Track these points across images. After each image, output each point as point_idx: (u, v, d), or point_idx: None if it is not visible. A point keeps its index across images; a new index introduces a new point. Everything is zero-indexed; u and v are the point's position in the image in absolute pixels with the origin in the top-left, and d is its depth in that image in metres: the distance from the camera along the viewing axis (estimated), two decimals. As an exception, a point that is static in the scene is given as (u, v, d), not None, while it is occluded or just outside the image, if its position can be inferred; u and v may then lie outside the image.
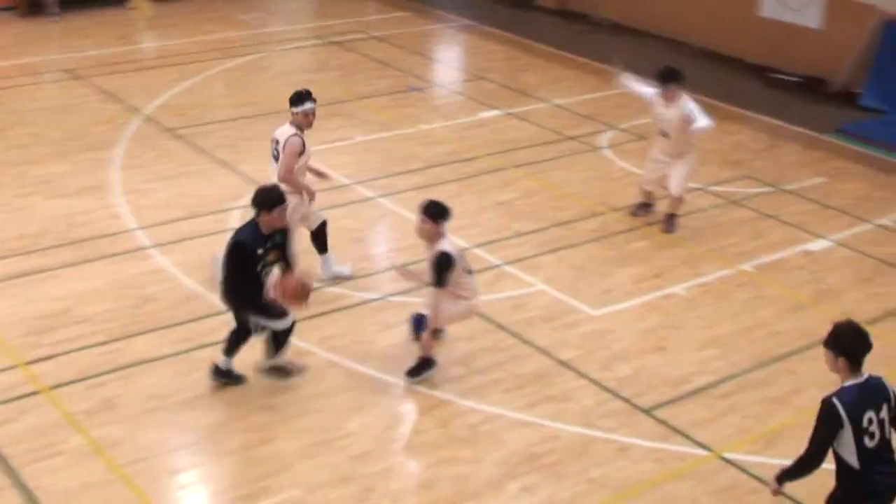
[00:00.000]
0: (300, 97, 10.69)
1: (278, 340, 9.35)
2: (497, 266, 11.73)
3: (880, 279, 11.88)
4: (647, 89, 12.73)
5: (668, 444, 8.96)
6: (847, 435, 6.52)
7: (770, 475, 7.03)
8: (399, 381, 9.63)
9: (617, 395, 9.58)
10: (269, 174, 10.84)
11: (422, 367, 9.55)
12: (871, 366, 10.27)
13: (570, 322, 10.76)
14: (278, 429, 8.95)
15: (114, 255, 11.73)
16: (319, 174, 11.26)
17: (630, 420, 9.26)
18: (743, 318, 10.96)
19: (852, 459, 6.57)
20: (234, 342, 9.40)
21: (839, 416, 6.50)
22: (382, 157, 14.63)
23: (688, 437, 9.04)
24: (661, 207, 13.07)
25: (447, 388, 9.55)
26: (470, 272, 9.46)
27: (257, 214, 9.05)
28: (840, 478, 6.75)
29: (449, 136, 15.64)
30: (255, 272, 9.04)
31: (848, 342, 6.64)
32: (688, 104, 12.17)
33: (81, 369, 9.66)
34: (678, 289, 11.48)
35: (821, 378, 9.89)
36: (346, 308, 10.79)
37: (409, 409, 9.41)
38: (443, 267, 9.05)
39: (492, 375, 9.78)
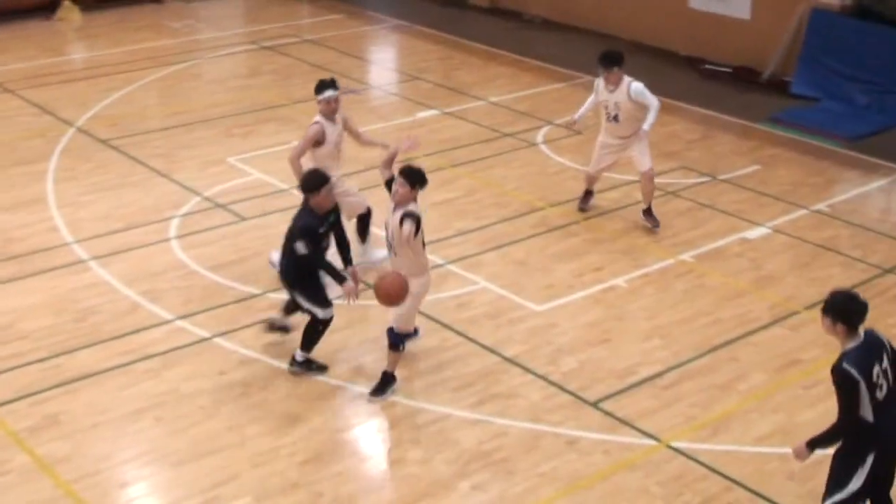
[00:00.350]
0: (321, 85, 10.98)
1: (313, 332, 9.56)
2: (440, 265, 11.73)
3: (818, 263, 12.04)
4: (587, 102, 12.77)
5: (616, 435, 9.02)
6: (863, 393, 6.82)
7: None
8: (344, 384, 9.63)
9: (563, 389, 9.63)
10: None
11: (386, 384, 9.49)
12: (812, 349, 10.46)
13: (515, 318, 10.80)
14: (225, 437, 8.89)
15: (52, 269, 11.59)
16: (384, 146, 11.41)
17: (577, 413, 9.31)
18: (684, 308, 11.06)
19: (867, 414, 6.86)
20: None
21: (855, 379, 6.78)
22: (320, 160, 14.58)
23: (635, 427, 9.11)
24: (601, 202, 13.18)
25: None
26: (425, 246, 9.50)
27: (307, 199, 9.39)
28: (850, 432, 7.02)
29: (387, 137, 15.56)
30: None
31: (845, 308, 6.94)
32: (633, 84, 12.25)
33: (23, 386, 9.53)
34: (619, 281, 11.57)
35: (763, 363, 10.08)
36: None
37: (356, 413, 9.39)
38: (415, 223, 9.04)
39: (438, 375, 9.79)
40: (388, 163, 9.62)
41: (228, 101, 17.05)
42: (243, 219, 12.77)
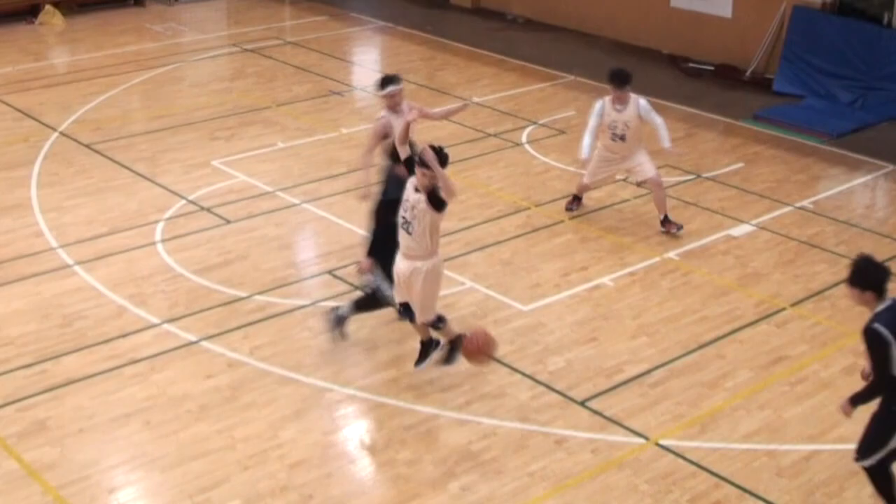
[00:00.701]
0: (382, 81, 11.07)
1: (370, 303, 9.93)
2: (426, 266, 11.73)
3: (802, 260, 12.08)
4: (589, 131, 12.47)
5: (605, 434, 9.03)
6: (895, 352, 7.08)
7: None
8: (333, 387, 9.62)
9: (551, 389, 9.64)
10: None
11: (454, 349, 9.59)
12: (798, 345, 10.49)
13: (502, 318, 10.80)
14: (214, 441, 8.87)
15: (37, 274, 11.54)
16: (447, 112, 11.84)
17: (565, 412, 9.32)
18: (670, 306, 11.09)
19: None
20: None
21: (886, 338, 7.05)
22: (305, 162, 14.58)
23: (623, 426, 9.12)
24: (586, 201, 13.21)
25: (382, 390, 9.54)
26: None
27: (392, 170, 9.94)
28: (887, 394, 7.28)
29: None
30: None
31: (871, 275, 7.22)
32: (641, 101, 12.31)
33: (9, 392, 9.49)
34: (605, 280, 11.58)
35: (750, 361, 10.10)
36: (275, 316, 10.73)
37: (344, 414, 9.38)
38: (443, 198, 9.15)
39: (426, 376, 9.78)
40: (404, 138, 9.55)
41: (212, 104, 17.02)
42: (228, 222, 12.74)
